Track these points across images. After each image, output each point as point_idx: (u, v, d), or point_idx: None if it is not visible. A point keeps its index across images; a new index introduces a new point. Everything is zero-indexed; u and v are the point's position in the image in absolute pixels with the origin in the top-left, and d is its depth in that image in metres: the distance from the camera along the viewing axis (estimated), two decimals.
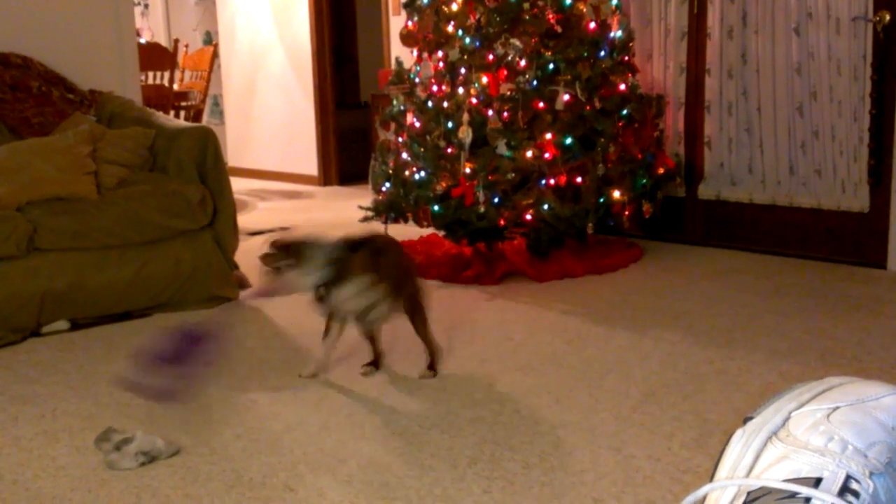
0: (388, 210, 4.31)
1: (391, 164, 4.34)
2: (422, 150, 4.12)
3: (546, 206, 3.82)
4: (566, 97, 3.89)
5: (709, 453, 2.08)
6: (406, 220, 4.34)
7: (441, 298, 3.66)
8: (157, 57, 6.39)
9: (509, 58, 3.95)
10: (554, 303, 3.53)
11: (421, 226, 4.33)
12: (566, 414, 2.35)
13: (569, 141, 3.88)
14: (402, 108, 4.41)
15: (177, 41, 6.93)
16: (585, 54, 3.96)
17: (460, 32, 4.08)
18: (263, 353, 2.99)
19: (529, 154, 3.83)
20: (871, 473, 0.55)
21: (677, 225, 4.68)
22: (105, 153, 3.58)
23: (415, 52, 4.42)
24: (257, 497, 1.91)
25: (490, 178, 3.86)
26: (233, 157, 8.69)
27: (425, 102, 4.21)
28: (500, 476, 1.98)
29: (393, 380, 2.67)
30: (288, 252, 2.52)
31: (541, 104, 3.89)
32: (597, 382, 2.59)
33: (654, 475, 1.97)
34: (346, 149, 7.94)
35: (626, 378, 2.63)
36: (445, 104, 4.08)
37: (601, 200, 3.97)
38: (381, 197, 4.37)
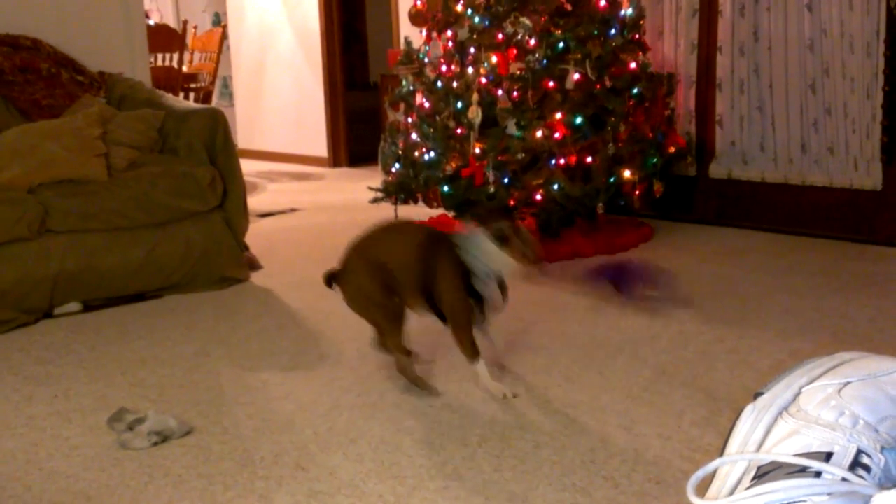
0: (397, 191, 4.31)
1: (401, 145, 4.34)
2: (431, 130, 4.11)
3: (556, 186, 3.81)
4: (576, 76, 3.87)
5: (719, 432, 2.07)
6: (416, 201, 4.33)
7: None
8: (166, 39, 6.39)
9: (519, 37, 3.93)
10: (564, 283, 3.52)
11: (431, 206, 4.32)
12: (576, 393, 2.35)
13: (579, 120, 3.86)
14: (411, 88, 4.39)
15: (185, 23, 6.92)
16: (596, 32, 3.94)
17: (469, 11, 4.06)
18: (275, 333, 3.00)
19: (539, 134, 3.81)
20: (882, 448, 0.54)
21: (688, 204, 4.66)
22: (115, 135, 3.59)
23: (424, 32, 4.40)
24: (269, 476, 1.92)
25: (500, 158, 3.84)
26: (242, 139, 8.69)
27: (434, 82, 4.19)
28: (511, 455, 1.99)
29: None
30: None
31: (551, 83, 3.87)
32: (607, 362, 2.59)
33: (664, 453, 1.97)
34: (356, 130, 7.93)
35: (637, 357, 2.63)
36: (455, 84, 4.06)
37: (612, 180, 3.95)
38: (390, 178, 4.37)
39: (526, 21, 3.91)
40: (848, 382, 0.58)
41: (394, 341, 2.42)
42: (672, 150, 4.22)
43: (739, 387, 2.36)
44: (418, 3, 4.36)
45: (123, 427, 2.13)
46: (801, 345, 2.68)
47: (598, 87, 3.92)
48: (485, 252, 2.30)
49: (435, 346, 2.70)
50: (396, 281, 2.38)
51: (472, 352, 2.37)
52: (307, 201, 5.94)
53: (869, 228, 4.03)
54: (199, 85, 6.70)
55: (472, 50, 4.05)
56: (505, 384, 2.39)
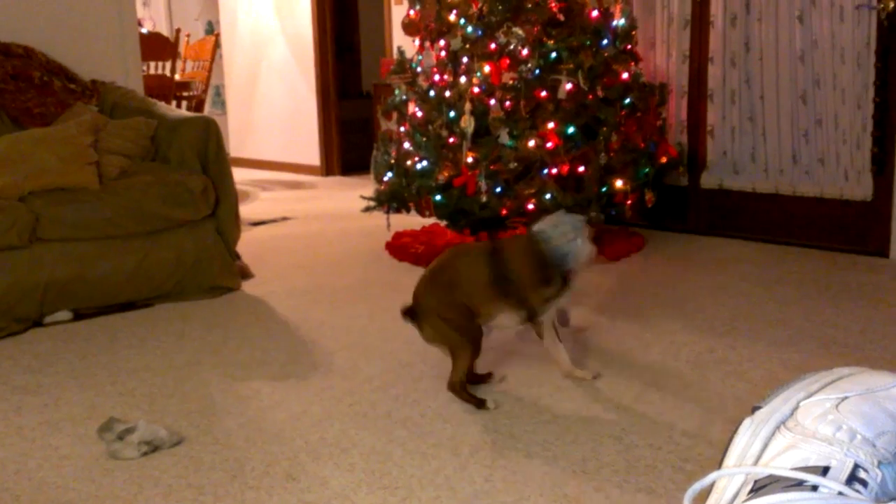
0: (390, 200, 4.30)
1: (393, 154, 4.34)
2: (424, 139, 4.11)
3: (548, 196, 3.81)
4: (568, 86, 3.88)
5: (710, 442, 2.07)
6: (408, 210, 4.33)
7: None
8: (158, 47, 6.38)
9: (511, 47, 3.93)
10: None
11: (423, 215, 4.32)
12: (568, 403, 2.35)
13: (571, 130, 3.87)
14: (404, 97, 4.40)
15: (178, 31, 6.91)
16: (588, 43, 3.95)
17: (462, 21, 4.07)
18: (267, 342, 2.99)
19: (532, 143, 3.82)
20: (880, 463, 0.54)
21: (680, 214, 4.67)
22: (107, 143, 3.58)
23: (417, 41, 4.40)
24: (260, 486, 1.91)
25: (492, 167, 3.85)
26: (235, 148, 8.68)
27: (427, 92, 4.20)
28: (502, 465, 1.98)
29: (394, 369, 2.66)
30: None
31: (543, 93, 3.88)
32: (598, 372, 2.59)
33: (655, 464, 1.97)
34: (348, 138, 7.93)
35: (628, 367, 2.63)
36: (447, 93, 4.07)
37: (603, 190, 3.96)
38: (383, 187, 4.36)
39: (519, 31, 3.92)
40: (846, 397, 0.58)
41: (463, 366, 2.38)
42: (664, 160, 4.23)
43: (731, 397, 2.36)
44: (411, 12, 4.37)
45: (113, 437, 2.12)
46: (792, 355, 2.69)
47: (591, 97, 3.93)
48: (567, 237, 2.44)
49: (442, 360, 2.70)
50: (472, 296, 2.41)
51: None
52: (299, 210, 5.94)
53: (859, 239, 4.04)
54: (191, 93, 6.69)
55: (464, 59, 4.05)
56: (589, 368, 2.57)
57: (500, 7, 3.94)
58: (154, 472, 2.00)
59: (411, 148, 4.21)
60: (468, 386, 2.40)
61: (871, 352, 2.70)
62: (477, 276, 2.43)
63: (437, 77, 4.17)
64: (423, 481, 1.91)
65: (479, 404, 2.35)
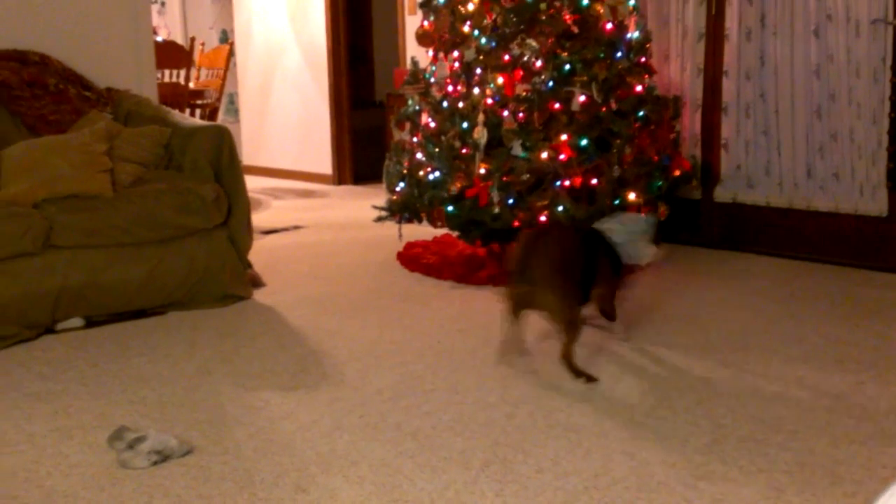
0: (402, 210, 4.30)
1: (406, 164, 4.33)
2: (436, 150, 4.11)
3: (561, 208, 3.80)
4: (582, 98, 3.87)
5: (723, 459, 2.06)
6: (420, 221, 4.32)
7: (454, 299, 3.65)
8: (173, 55, 6.41)
9: (525, 58, 3.93)
10: None
11: (435, 226, 4.31)
12: (579, 418, 2.34)
13: (584, 142, 3.86)
14: (417, 107, 4.39)
15: (193, 39, 6.94)
16: (602, 55, 3.94)
17: (476, 32, 4.07)
18: (277, 352, 2.99)
19: (545, 155, 3.81)
20: None
21: (693, 227, 4.65)
22: (121, 151, 3.59)
23: (430, 52, 4.40)
24: (269, 498, 1.91)
25: (505, 178, 3.84)
26: (247, 156, 8.71)
27: (440, 102, 4.19)
28: (513, 480, 1.97)
29: (405, 381, 2.66)
30: None
31: (556, 105, 3.87)
32: (610, 386, 2.58)
33: (668, 481, 1.95)
34: (361, 148, 7.94)
35: (640, 382, 2.61)
36: (461, 104, 4.06)
37: (616, 202, 3.94)
38: (395, 197, 4.36)
39: (532, 43, 3.92)
40: None
41: (575, 338, 2.63)
42: (677, 173, 4.21)
43: (744, 413, 2.34)
44: (425, 23, 4.37)
45: (124, 446, 2.12)
46: (806, 372, 2.67)
47: (604, 109, 3.92)
48: (634, 235, 2.67)
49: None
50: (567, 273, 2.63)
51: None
52: (311, 219, 5.94)
53: (875, 255, 4.02)
54: (205, 101, 6.71)
55: (478, 71, 4.05)
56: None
57: (514, 19, 3.94)
58: (164, 481, 1.99)
59: (424, 158, 4.20)
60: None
61: (886, 369, 2.68)
62: (574, 257, 2.64)
63: (450, 88, 4.17)
64: (434, 495, 1.90)
65: (589, 378, 2.58)
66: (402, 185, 4.32)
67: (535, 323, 2.83)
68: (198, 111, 6.59)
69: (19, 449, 2.20)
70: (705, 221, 4.63)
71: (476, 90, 4.02)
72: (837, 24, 4.02)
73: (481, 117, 3.90)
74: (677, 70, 4.67)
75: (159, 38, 6.88)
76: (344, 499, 1.90)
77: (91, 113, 3.93)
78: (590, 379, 2.58)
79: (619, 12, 4.03)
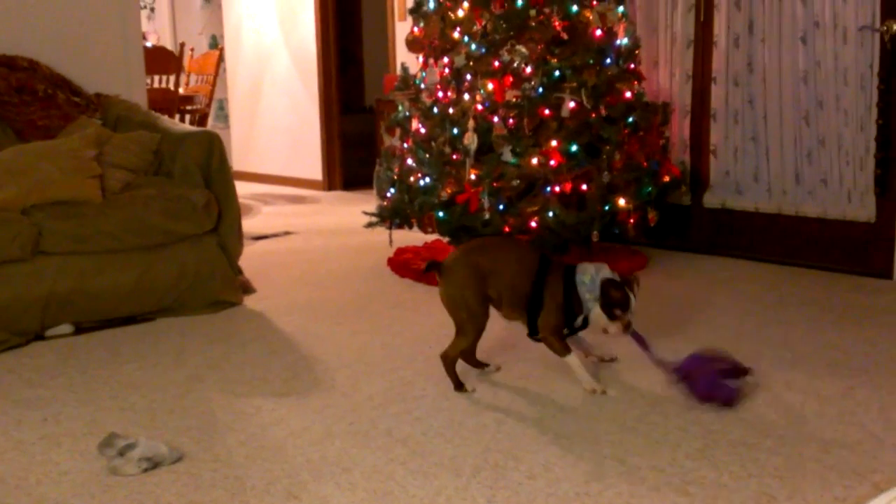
0: (392, 216, 4.30)
1: (396, 170, 4.34)
2: (427, 155, 4.12)
3: (551, 214, 3.81)
4: (572, 104, 3.88)
5: (714, 464, 2.06)
6: (411, 226, 4.33)
7: None
8: (162, 61, 6.40)
9: (515, 64, 3.94)
10: None
11: (425, 232, 4.32)
12: (570, 423, 2.34)
13: (574, 148, 3.87)
14: (407, 113, 4.40)
15: (182, 45, 6.93)
16: (591, 61, 3.96)
17: (466, 39, 4.08)
18: (268, 358, 2.98)
19: (535, 161, 3.82)
20: None
21: (682, 233, 4.67)
22: (110, 157, 3.58)
23: (420, 58, 4.41)
24: None
25: (495, 184, 3.85)
26: (237, 162, 8.70)
27: (431, 108, 4.20)
28: (505, 486, 1.97)
29: (396, 387, 2.66)
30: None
31: (546, 111, 3.89)
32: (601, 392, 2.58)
33: (658, 486, 1.96)
34: (351, 154, 7.94)
35: (631, 388, 2.62)
36: (451, 110, 4.07)
37: (606, 208, 3.95)
38: (385, 202, 4.36)
39: (522, 49, 3.93)
40: None
41: (462, 345, 2.58)
42: (666, 179, 4.24)
43: (734, 419, 2.35)
44: (415, 29, 4.38)
45: (114, 453, 2.11)
46: (796, 376, 2.68)
47: (594, 115, 3.94)
48: (590, 290, 2.52)
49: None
50: (499, 292, 2.55)
51: (564, 349, 2.58)
52: (301, 224, 5.94)
53: (862, 260, 4.04)
54: (195, 107, 6.70)
55: (468, 77, 4.06)
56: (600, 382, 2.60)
57: (503, 25, 3.96)
58: (154, 489, 1.99)
59: (414, 164, 4.21)
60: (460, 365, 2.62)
61: (875, 374, 2.70)
62: (519, 279, 2.54)
63: (440, 94, 4.18)
64: (425, 501, 1.90)
65: (458, 386, 2.57)
66: (392, 190, 4.33)
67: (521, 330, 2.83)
68: (188, 117, 6.58)
69: (8, 456, 2.19)
70: (694, 227, 4.65)
71: (466, 96, 4.03)
72: (825, 31, 4.05)
73: (471, 123, 3.91)
74: (666, 76, 4.69)
75: (149, 44, 6.87)
76: None
77: (80, 118, 3.92)
78: (459, 387, 2.58)
79: (608, 19, 4.05)
